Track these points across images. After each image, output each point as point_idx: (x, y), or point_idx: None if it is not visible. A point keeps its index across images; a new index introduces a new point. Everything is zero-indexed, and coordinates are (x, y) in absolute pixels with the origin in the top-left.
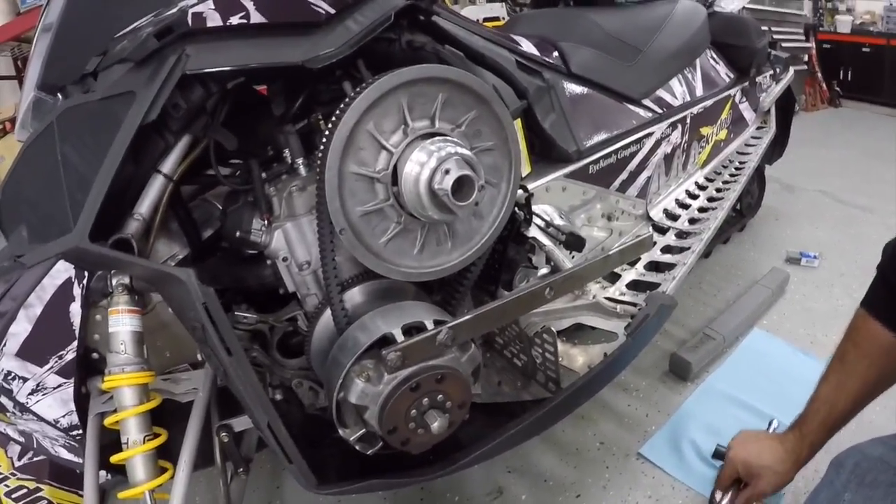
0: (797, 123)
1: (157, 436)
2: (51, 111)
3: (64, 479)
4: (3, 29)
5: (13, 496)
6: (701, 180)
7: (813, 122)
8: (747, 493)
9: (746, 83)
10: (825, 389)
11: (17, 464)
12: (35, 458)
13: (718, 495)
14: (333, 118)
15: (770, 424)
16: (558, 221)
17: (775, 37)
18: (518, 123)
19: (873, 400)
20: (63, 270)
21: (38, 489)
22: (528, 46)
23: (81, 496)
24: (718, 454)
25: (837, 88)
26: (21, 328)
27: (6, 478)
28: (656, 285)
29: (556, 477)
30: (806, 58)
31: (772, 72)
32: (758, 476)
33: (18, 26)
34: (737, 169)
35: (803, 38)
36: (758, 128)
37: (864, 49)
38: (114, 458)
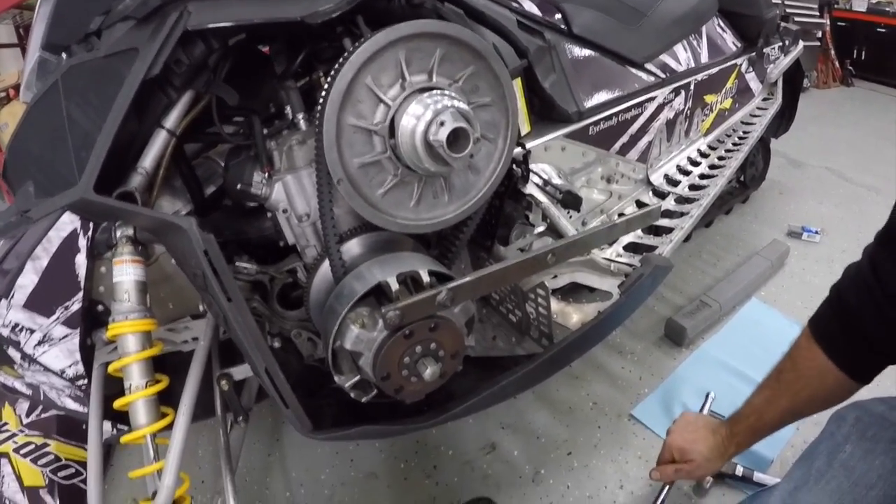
0: (808, 100)
1: (158, 382)
2: (55, 71)
3: (70, 433)
4: None
5: (21, 452)
6: (703, 147)
7: (824, 99)
8: (677, 469)
9: (754, 53)
10: (757, 399)
11: (24, 420)
12: (43, 415)
13: (655, 474)
14: (332, 72)
15: (707, 397)
16: (556, 180)
17: (788, 10)
18: (518, 83)
19: (802, 417)
20: (68, 223)
21: (46, 444)
22: (529, 6)
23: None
24: None
25: (850, 67)
26: (28, 280)
27: (14, 434)
28: (653, 248)
29: (548, 434)
30: (819, 34)
31: (781, 44)
32: (691, 462)
33: None
34: (740, 138)
35: (817, 13)
36: (764, 99)
37: (879, 29)
38: (117, 403)
